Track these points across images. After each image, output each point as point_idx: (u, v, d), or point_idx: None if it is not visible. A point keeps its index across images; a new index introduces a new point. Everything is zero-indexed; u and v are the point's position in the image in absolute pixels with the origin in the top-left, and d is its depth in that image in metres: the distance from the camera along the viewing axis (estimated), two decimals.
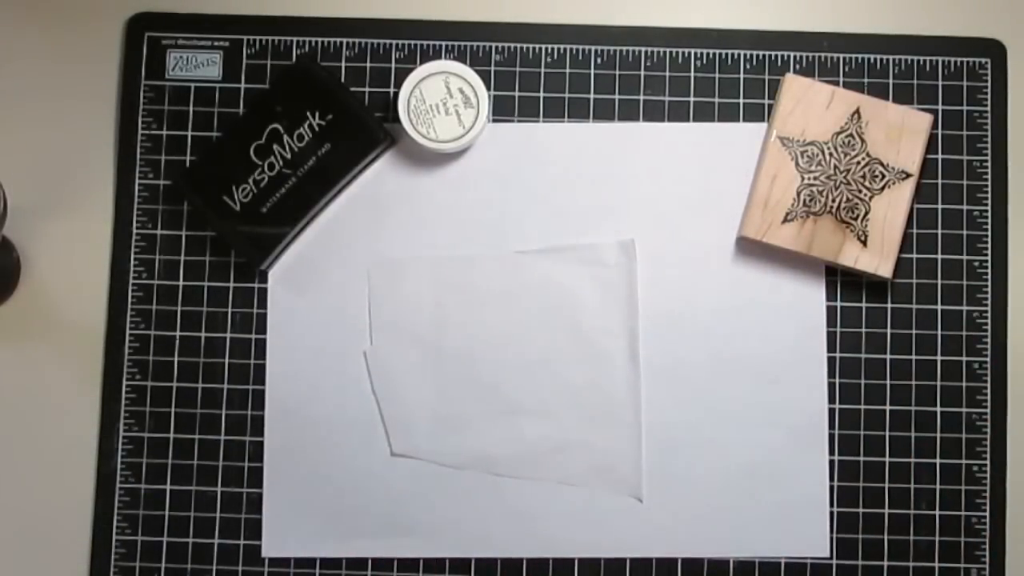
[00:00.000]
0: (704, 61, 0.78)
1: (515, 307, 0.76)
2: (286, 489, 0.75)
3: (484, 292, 0.76)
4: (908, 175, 0.75)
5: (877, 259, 0.75)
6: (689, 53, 0.78)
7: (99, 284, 0.77)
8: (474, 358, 0.76)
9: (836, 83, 0.77)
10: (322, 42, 0.78)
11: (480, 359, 0.76)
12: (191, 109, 0.78)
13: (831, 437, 0.76)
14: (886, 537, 0.75)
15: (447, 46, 0.78)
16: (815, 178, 0.75)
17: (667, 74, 0.78)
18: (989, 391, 0.76)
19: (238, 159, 0.74)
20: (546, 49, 0.78)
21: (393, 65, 0.78)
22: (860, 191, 0.75)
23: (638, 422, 0.75)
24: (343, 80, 0.78)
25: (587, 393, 0.76)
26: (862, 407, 0.76)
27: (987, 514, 0.76)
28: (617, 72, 0.78)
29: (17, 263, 0.77)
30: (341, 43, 0.78)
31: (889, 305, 0.77)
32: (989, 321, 0.77)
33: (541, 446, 0.75)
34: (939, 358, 0.77)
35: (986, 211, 0.77)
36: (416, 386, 0.76)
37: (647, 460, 0.75)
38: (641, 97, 0.78)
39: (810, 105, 0.76)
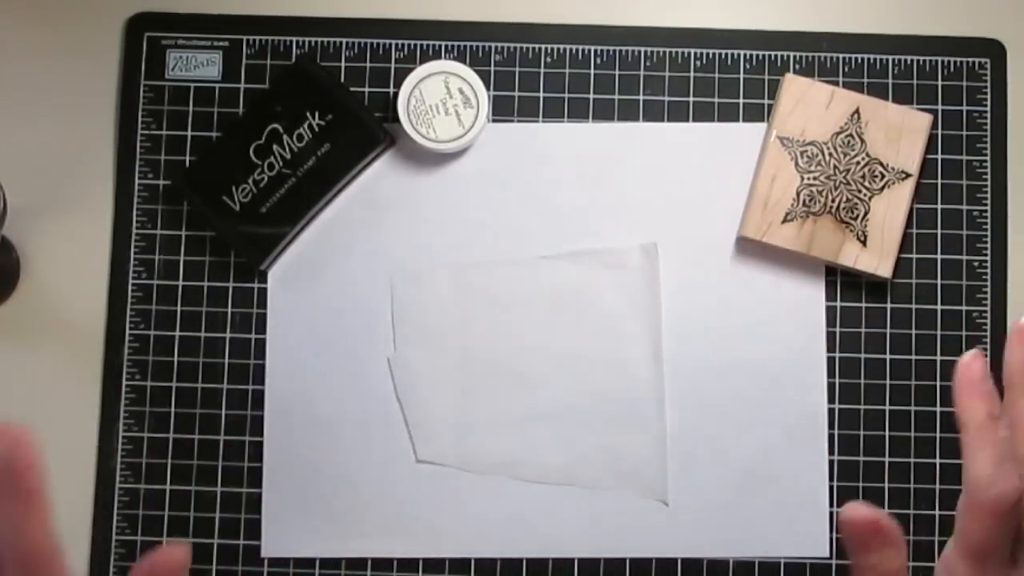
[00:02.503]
0: (704, 61, 0.78)
1: (538, 312, 0.76)
2: (286, 489, 0.75)
3: (507, 297, 0.76)
4: (908, 175, 0.75)
5: (877, 259, 0.75)
6: (689, 53, 0.78)
7: (99, 284, 0.77)
8: (498, 364, 0.75)
9: (836, 83, 0.77)
10: (322, 42, 0.78)
11: (504, 365, 0.75)
12: (191, 109, 0.78)
13: (831, 437, 0.76)
14: None
15: (447, 46, 0.78)
16: (815, 178, 0.75)
17: (667, 74, 0.78)
18: None
19: (238, 159, 0.74)
20: (546, 49, 0.78)
21: (393, 65, 0.78)
22: (860, 191, 0.75)
23: (663, 426, 0.75)
24: (343, 80, 0.78)
25: (612, 398, 0.75)
26: (862, 407, 0.76)
27: None
28: (617, 72, 0.78)
29: (17, 263, 0.77)
30: (341, 43, 0.78)
31: (889, 305, 0.77)
32: (989, 321, 0.77)
33: (566, 452, 0.75)
34: (939, 358, 0.77)
35: (986, 211, 0.77)
36: (440, 392, 0.76)
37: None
38: (641, 97, 0.78)
39: (810, 105, 0.76)
